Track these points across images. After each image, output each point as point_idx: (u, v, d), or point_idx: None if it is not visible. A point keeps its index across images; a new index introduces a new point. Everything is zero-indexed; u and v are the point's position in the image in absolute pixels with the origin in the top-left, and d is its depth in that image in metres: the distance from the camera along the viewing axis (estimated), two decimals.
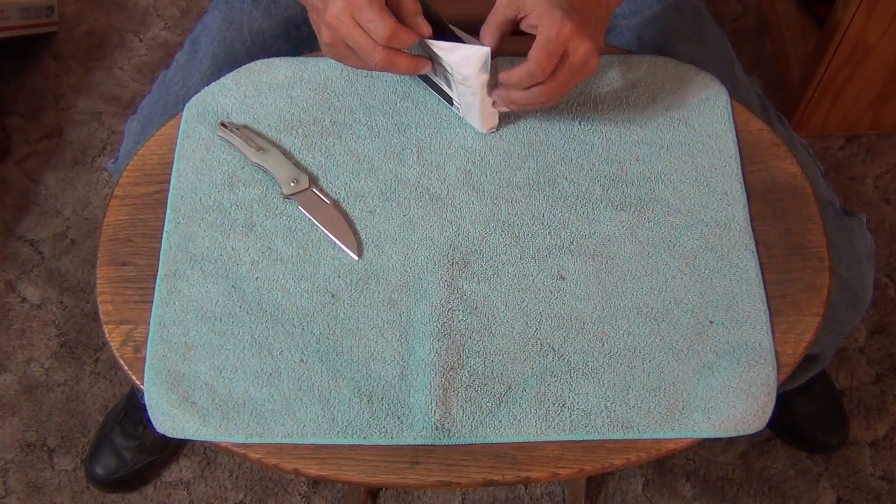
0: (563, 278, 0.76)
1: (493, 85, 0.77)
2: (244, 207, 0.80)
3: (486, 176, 0.81)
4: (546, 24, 0.69)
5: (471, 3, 0.92)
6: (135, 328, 0.74)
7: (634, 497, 1.31)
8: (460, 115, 0.83)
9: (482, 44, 0.75)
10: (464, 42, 0.76)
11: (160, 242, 0.78)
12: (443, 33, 0.75)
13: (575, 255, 0.77)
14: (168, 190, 0.81)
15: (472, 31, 0.81)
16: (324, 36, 0.74)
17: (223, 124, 0.83)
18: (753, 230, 0.78)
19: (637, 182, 0.80)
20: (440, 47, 0.74)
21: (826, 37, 1.41)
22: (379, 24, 0.70)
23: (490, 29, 0.75)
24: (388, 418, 0.70)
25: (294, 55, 0.89)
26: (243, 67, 0.87)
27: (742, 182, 0.80)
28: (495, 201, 0.80)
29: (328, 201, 0.79)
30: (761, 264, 0.76)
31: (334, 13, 0.71)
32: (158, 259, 0.77)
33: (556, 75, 0.71)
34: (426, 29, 0.73)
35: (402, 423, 0.70)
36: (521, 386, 0.71)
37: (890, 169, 1.56)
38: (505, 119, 0.83)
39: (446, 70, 0.77)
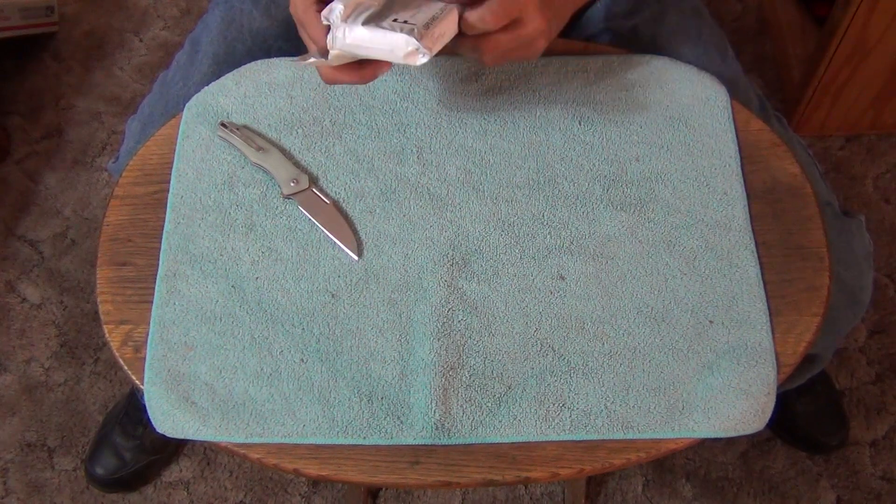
0: (563, 278, 0.76)
1: None
2: (244, 207, 0.80)
3: (486, 176, 0.81)
4: None
5: None
6: (135, 328, 0.74)
7: (634, 497, 1.31)
8: None
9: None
10: None
11: (160, 242, 0.78)
12: None
13: (575, 255, 0.77)
14: (168, 190, 0.81)
15: None
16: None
17: (223, 124, 0.83)
18: (753, 230, 0.78)
19: (637, 182, 0.80)
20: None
21: (826, 37, 1.41)
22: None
23: None
24: (388, 418, 0.70)
25: (294, 55, 0.89)
26: (243, 67, 0.87)
27: (742, 182, 0.80)
28: (495, 201, 0.80)
29: (328, 201, 0.79)
30: (761, 264, 0.76)
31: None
32: (158, 259, 0.77)
33: (499, 37, 0.70)
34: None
35: (402, 423, 0.70)
36: (521, 386, 0.71)
37: (890, 169, 1.56)
38: (505, 119, 0.83)
39: None
